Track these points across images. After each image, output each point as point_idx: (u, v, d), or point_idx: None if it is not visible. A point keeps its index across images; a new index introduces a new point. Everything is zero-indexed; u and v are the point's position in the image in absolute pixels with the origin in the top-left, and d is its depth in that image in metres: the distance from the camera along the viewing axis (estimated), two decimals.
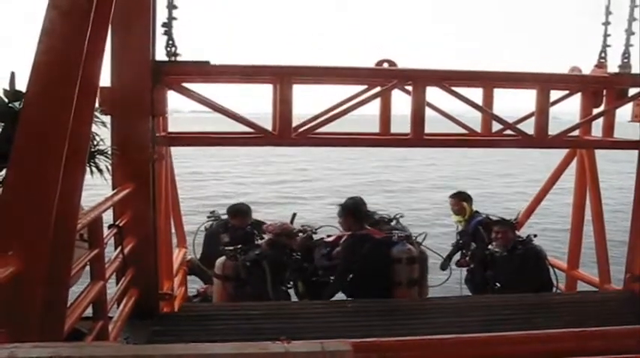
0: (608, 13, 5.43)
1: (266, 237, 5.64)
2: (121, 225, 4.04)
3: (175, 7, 4.65)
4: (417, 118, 4.93)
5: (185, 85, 4.85)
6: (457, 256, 6.48)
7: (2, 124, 2.82)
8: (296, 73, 4.92)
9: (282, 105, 4.80)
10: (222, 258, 5.40)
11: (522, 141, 5.24)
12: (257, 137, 4.97)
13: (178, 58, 4.74)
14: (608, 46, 5.53)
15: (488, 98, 5.64)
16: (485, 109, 5.46)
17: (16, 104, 2.82)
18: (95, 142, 3.37)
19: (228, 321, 4.55)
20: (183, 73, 4.90)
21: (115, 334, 3.78)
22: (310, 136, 4.95)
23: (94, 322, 3.48)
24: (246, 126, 4.95)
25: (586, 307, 5.02)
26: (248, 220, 6.09)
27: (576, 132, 5.76)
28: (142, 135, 4.40)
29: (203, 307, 5.63)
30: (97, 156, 3.32)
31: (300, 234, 5.74)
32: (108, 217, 4.16)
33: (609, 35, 5.50)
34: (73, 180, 2.56)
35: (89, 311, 3.45)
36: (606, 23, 5.45)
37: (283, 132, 4.81)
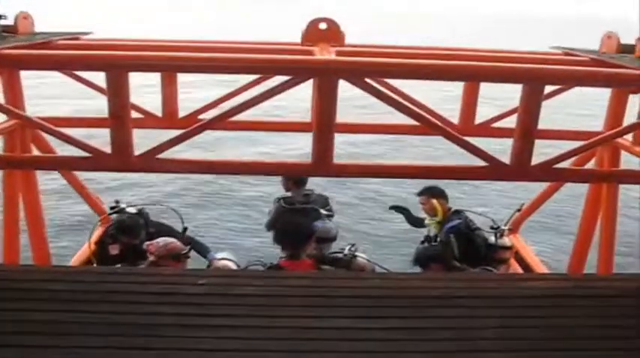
0: None
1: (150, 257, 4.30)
2: None
3: None
4: (323, 134, 3.12)
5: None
6: None
7: None
8: (135, 67, 3.10)
9: (116, 120, 3.09)
10: None
11: (495, 171, 3.32)
12: (84, 159, 3.27)
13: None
14: None
15: (472, 91, 4.18)
16: (457, 136, 3.28)
17: None
18: None
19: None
20: None
21: None
22: (160, 158, 3.21)
23: None
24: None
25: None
26: (137, 239, 4.72)
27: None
28: None
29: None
30: None
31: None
32: None
33: None
34: None
35: None
36: None
37: (119, 153, 3.14)
